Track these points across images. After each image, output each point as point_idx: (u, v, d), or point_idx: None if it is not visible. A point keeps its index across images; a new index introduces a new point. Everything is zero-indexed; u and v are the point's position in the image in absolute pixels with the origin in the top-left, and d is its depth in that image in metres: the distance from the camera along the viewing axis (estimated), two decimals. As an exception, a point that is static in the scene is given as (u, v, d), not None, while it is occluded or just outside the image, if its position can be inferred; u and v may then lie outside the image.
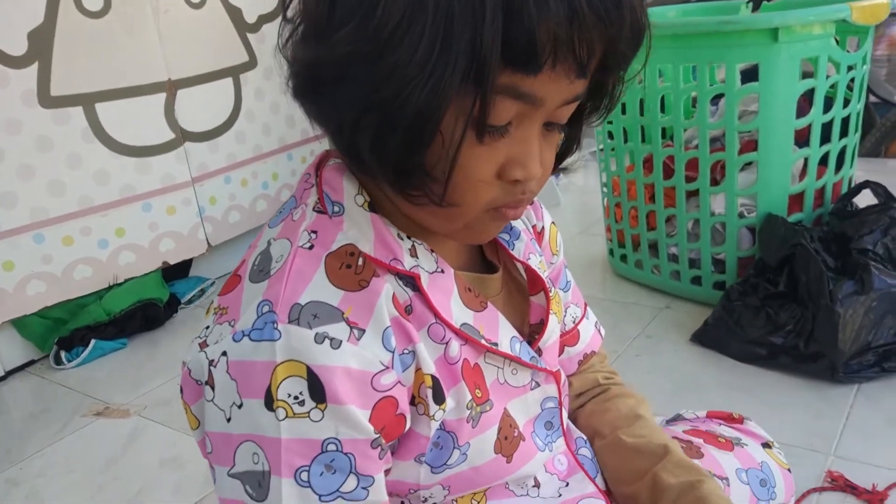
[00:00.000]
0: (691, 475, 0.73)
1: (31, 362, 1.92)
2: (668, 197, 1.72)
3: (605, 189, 1.95)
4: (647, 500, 0.75)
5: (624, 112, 1.72)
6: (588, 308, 0.87)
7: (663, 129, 1.67)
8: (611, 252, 2.00)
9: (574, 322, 0.84)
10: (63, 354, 1.86)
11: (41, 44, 1.75)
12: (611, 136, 1.82)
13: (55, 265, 1.84)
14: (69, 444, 1.53)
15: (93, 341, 1.87)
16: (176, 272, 2.21)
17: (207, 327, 0.56)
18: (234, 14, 2.21)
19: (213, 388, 0.52)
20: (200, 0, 2.08)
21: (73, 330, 1.89)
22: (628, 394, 0.86)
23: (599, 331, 0.81)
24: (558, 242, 0.81)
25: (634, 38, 0.51)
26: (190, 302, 2.18)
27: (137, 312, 1.97)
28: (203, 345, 0.54)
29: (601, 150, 1.90)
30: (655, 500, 0.74)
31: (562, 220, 2.49)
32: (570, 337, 0.83)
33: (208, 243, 2.20)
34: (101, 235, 1.92)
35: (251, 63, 2.28)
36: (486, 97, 0.48)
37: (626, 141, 1.78)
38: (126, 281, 1.99)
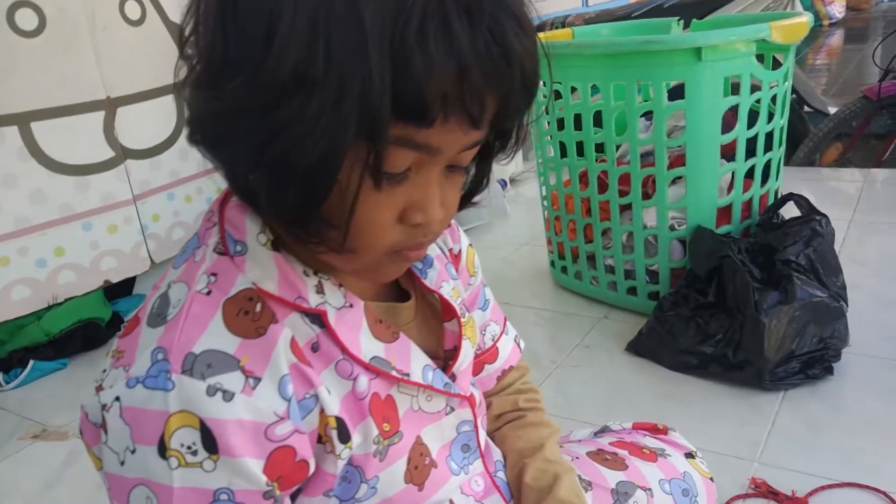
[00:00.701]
0: (555, 467, 0.78)
1: (-32, 385, 1.88)
2: (603, 210, 1.77)
3: (545, 202, 1.99)
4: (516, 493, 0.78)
5: (561, 127, 1.76)
6: (507, 323, 0.89)
7: (598, 145, 1.72)
8: (552, 263, 2.05)
9: (493, 340, 0.86)
10: (1, 376, 1.83)
11: (-27, 63, 1.72)
12: (550, 150, 1.86)
13: (-9, 286, 1.81)
14: (5, 468, 1.51)
15: (31, 362, 1.84)
16: (119, 290, 2.19)
17: (104, 370, 0.56)
18: (174, 30, 2.20)
19: (106, 432, 0.53)
20: (139, 17, 2.07)
21: (12, 351, 1.86)
22: (540, 422, 0.87)
23: (519, 345, 0.83)
24: (475, 264, 0.82)
25: (526, 91, 0.51)
26: (133, 320, 2.15)
27: (78, 332, 1.94)
28: (99, 388, 0.55)
29: (540, 163, 1.94)
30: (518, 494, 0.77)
31: (509, 231, 2.53)
32: (488, 355, 0.85)
33: (152, 261, 2.18)
34: (39, 255, 1.89)
35: (194, 79, 2.27)
36: (379, 149, 0.48)
37: (563, 156, 1.82)
38: (66, 300, 1.96)
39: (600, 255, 1.81)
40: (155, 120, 2.16)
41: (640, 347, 1.62)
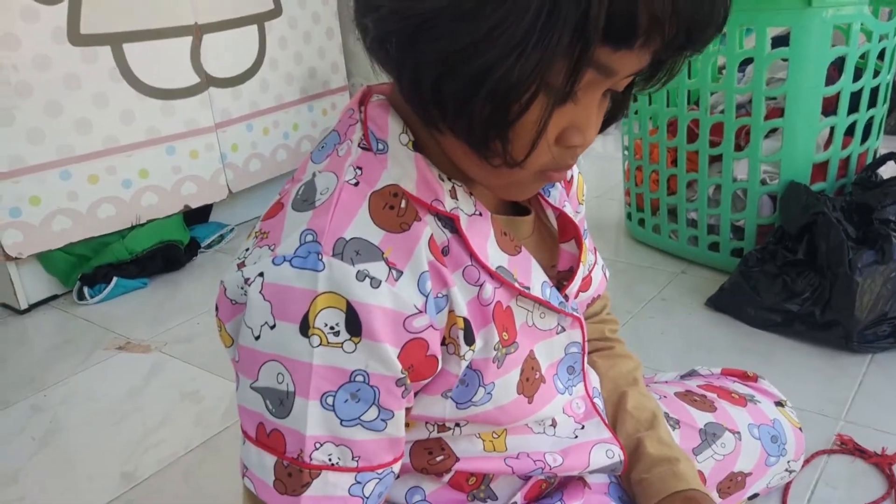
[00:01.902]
0: (671, 452, 0.78)
1: (55, 297, 1.95)
2: (690, 161, 1.72)
3: (626, 152, 1.95)
4: (628, 460, 0.78)
5: (651, 74, 1.71)
6: (596, 251, 0.89)
7: (688, 93, 1.67)
8: (628, 216, 2.01)
9: (589, 269, 0.85)
10: (86, 290, 1.89)
11: (72, -20, 1.75)
12: (635, 98, 1.81)
13: (80, 202, 1.86)
14: (92, 374, 1.57)
15: (115, 279, 1.91)
16: (196, 217, 2.24)
17: (247, 249, 0.57)
18: (263, -41, 2.20)
19: (245, 307, 0.54)
20: (230, -57, 2.07)
21: (96, 267, 1.92)
22: (628, 355, 0.89)
23: (605, 274, 0.83)
24: (584, 192, 0.82)
25: (721, 24, 0.51)
26: (209, 247, 2.20)
27: (158, 253, 2.00)
28: (241, 265, 0.56)
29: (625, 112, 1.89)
30: (633, 463, 0.78)
31: (580, 184, 2.48)
32: (584, 283, 0.85)
33: (229, 190, 2.22)
34: (125, 175, 1.94)
35: (276, 11, 2.28)
36: (578, 69, 0.47)
37: (650, 103, 1.77)
38: (148, 222, 2.02)
39: (683, 208, 1.77)
40: (238, 49, 2.18)
41: (720, 303, 1.59)
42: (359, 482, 0.56)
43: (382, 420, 0.55)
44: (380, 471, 0.57)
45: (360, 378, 0.53)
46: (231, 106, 2.18)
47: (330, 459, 0.54)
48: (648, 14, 0.45)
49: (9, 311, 1.90)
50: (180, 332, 1.72)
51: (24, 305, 1.88)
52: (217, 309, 0.58)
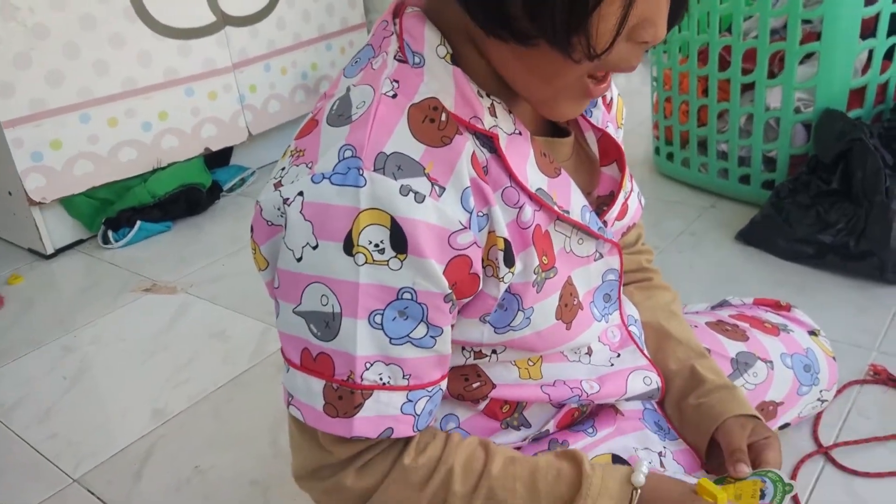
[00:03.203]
0: (726, 381, 0.77)
1: (80, 241, 1.97)
2: (721, 91, 1.66)
3: (654, 83, 1.89)
4: (681, 385, 0.78)
5: None
6: (633, 178, 0.86)
7: (720, 19, 1.60)
8: (656, 150, 1.96)
9: (625, 196, 0.83)
10: (110, 234, 1.90)
11: (83, -84, 1.71)
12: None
13: (101, 146, 1.85)
14: (119, 316, 1.58)
15: (139, 222, 1.91)
16: (217, 160, 2.22)
17: (283, 168, 0.55)
18: None
19: (285, 228, 0.52)
20: None
21: (120, 211, 1.93)
22: (665, 286, 0.88)
23: (641, 202, 0.81)
24: (623, 116, 0.79)
25: None
26: (231, 190, 2.20)
27: (181, 196, 1.99)
28: (278, 185, 0.54)
29: (653, 41, 1.83)
30: (691, 388, 0.77)
31: (605, 120, 2.43)
32: (620, 211, 0.83)
33: (249, 132, 2.20)
34: (144, 118, 1.93)
35: (292, -54, 2.22)
36: None
37: (679, 31, 1.71)
38: (169, 165, 2.01)
39: (713, 140, 1.72)
40: (254, -14, 2.13)
41: (751, 236, 1.55)
42: (410, 400, 0.56)
43: (431, 337, 0.55)
44: (430, 388, 0.57)
45: (407, 295, 0.52)
46: (248, 45, 2.14)
47: (381, 379, 0.54)
48: None
49: (35, 256, 1.92)
50: (205, 274, 1.72)
51: (50, 250, 1.89)
52: (252, 230, 0.57)
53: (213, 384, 1.29)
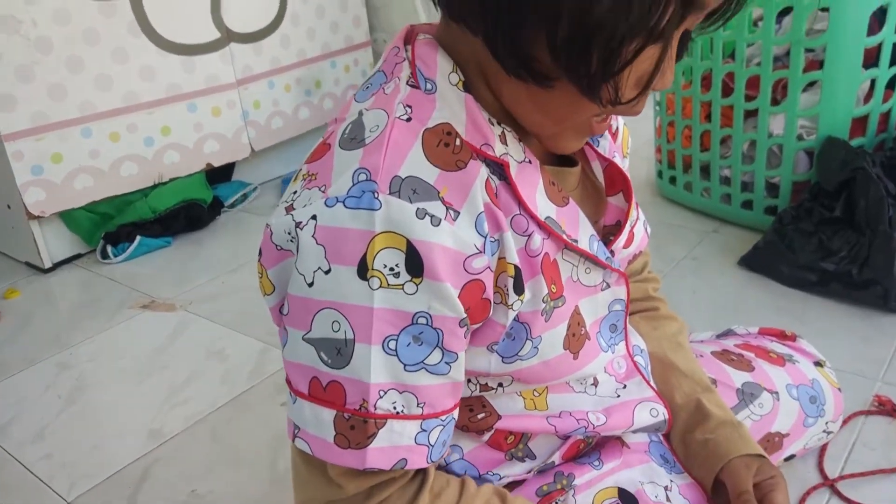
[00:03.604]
0: (732, 417, 0.77)
1: (78, 255, 1.96)
2: (724, 116, 1.67)
3: (657, 107, 1.89)
4: (686, 419, 0.77)
5: (685, 25, 1.65)
6: (638, 206, 0.86)
7: (723, 45, 1.61)
8: (659, 174, 1.96)
9: (631, 225, 0.83)
10: (109, 249, 1.89)
11: (89, -69, 1.71)
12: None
13: (102, 160, 1.85)
14: (117, 333, 1.57)
15: (138, 238, 1.90)
16: (219, 176, 2.22)
17: (295, 192, 0.54)
18: None
19: (296, 252, 0.51)
20: None
21: (120, 226, 1.92)
22: (672, 316, 0.87)
23: (647, 230, 0.81)
24: (629, 145, 0.79)
25: None
26: (233, 206, 2.19)
27: (182, 212, 1.99)
28: (290, 208, 0.53)
29: (657, 66, 1.83)
30: (696, 423, 0.76)
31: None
32: (627, 239, 0.83)
33: (251, 148, 2.20)
34: (146, 133, 1.92)
35: (298, -36, 2.23)
36: (689, 6, 0.47)
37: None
38: (171, 180, 2.00)
39: (716, 165, 1.72)
40: (259, 4, 2.14)
41: (754, 262, 1.55)
42: (424, 430, 0.54)
43: (447, 363, 0.54)
44: (443, 417, 0.56)
45: (422, 320, 0.51)
46: (252, 62, 2.14)
47: (395, 407, 0.52)
48: None
49: (33, 270, 1.91)
50: (205, 291, 1.71)
51: (48, 264, 1.88)
52: (260, 254, 0.56)
53: (210, 405, 1.28)
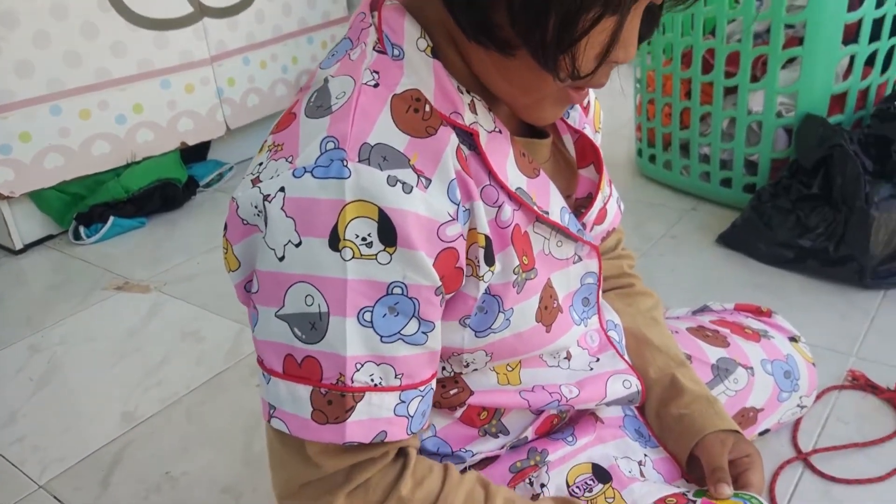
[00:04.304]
0: (706, 391, 0.77)
1: (50, 237, 1.92)
2: (704, 94, 1.66)
3: (638, 85, 1.88)
4: (661, 394, 0.77)
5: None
6: (611, 183, 0.86)
7: (704, 22, 1.59)
8: (639, 152, 1.95)
9: (604, 201, 0.82)
10: (82, 230, 1.86)
11: None
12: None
13: (72, 139, 1.81)
14: (90, 315, 1.54)
15: (112, 218, 1.87)
16: (194, 155, 2.18)
17: (261, 164, 0.53)
18: None
19: (265, 225, 0.50)
20: None
21: (92, 206, 1.88)
22: (647, 292, 0.87)
23: (620, 207, 0.80)
24: (601, 120, 0.78)
25: None
26: (208, 185, 2.16)
27: (156, 192, 1.96)
28: (256, 181, 0.51)
29: (636, 42, 1.82)
30: (671, 397, 0.76)
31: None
32: (599, 215, 0.82)
33: (227, 126, 2.16)
34: (118, 111, 1.88)
35: (272, -63, 2.18)
36: None
37: (663, 33, 1.70)
38: (144, 159, 1.97)
39: (695, 143, 1.72)
40: (233, -22, 2.09)
41: (732, 239, 1.55)
42: (403, 401, 0.53)
43: (423, 333, 0.53)
44: (422, 387, 0.55)
45: (397, 290, 0.50)
46: (227, 37, 2.10)
47: (372, 380, 0.51)
48: None
49: (3, 252, 1.87)
50: (180, 272, 1.69)
51: (18, 246, 1.84)
52: (226, 228, 0.54)
53: (185, 387, 1.26)
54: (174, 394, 1.25)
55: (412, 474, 0.57)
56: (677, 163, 1.80)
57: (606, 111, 2.64)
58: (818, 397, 1.08)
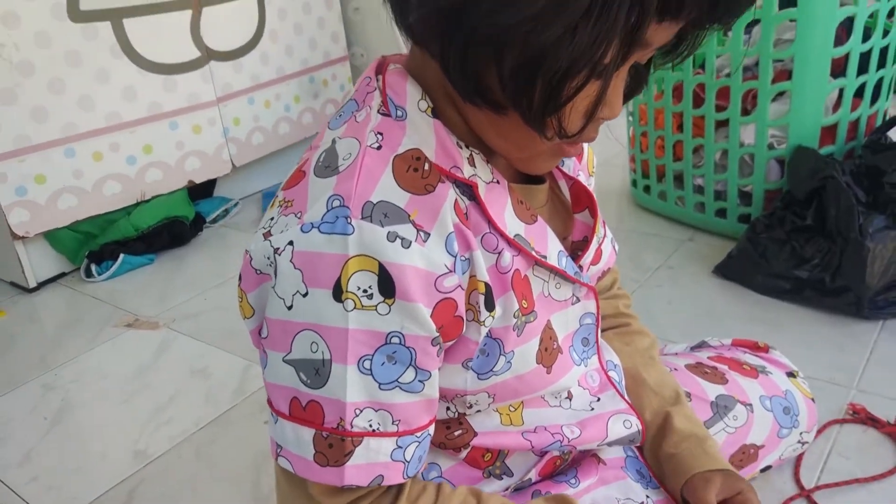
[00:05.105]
0: (699, 430, 0.78)
1: (63, 275, 1.96)
2: (696, 126, 1.70)
3: (630, 118, 1.92)
4: (655, 434, 0.79)
5: (657, 39, 1.68)
6: (605, 224, 0.88)
7: (694, 56, 1.64)
8: (633, 183, 1.99)
9: (599, 242, 0.85)
10: (93, 268, 1.90)
11: (69, -45, 1.73)
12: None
13: (85, 180, 1.86)
14: (102, 352, 1.58)
15: (122, 256, 1.91)
16: (200, 192, 2.23)
17: (272, 218, 0.57)
18: (260, -71, 2.16)
19: (275, 276, 0.54)
20: (227, -87, 2.03)
21: (103, 244, 1.93)
22: (644, 331, 0.89)
23: (614, 247, 0.83)
24: (594, 164, 0.81)
25: (752, 2, 0.51)
26: (214, 221, 2.20)
27: (164, 229, 2.00)
28: (267, 234, 0.55)
29: (631, 78, 1.86)
30: (661, 438, 0.78)
31: (586, 151, 2.46)
32: (594, 256, 0.85)
33: (232, 164, 2.21)
34: (129, 152, 1.94)
35: (276, -19, 2.25)
36: (633, 44, 0.48)
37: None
38: (153, 198, 2.01)
39: (689, 174, 1.75)
40: (238, 22, 2.16)
41: (728, 270, 1.58)
42: (400, 447, 0.56)
43: (420, 381, 0.56)
44: (419, 433, 0.58)
45: (395, 340, 0.53)
46: (232, 79, 2.16)
47: (370, 425, 0.54)
48: None
49: (18, 290, 1.91)
50: (188, 308, 1.72)
51: (32, 284, 1.88)
52: (241, 279, 0.58)
53: (194, 424, 1.29)
54: (183, 431, 1.28)
55: (406, 497, 0.60)
56: (672, 193, 1.83)
57: (601, 140, 2.68)
58: (819, 432, 1.08)
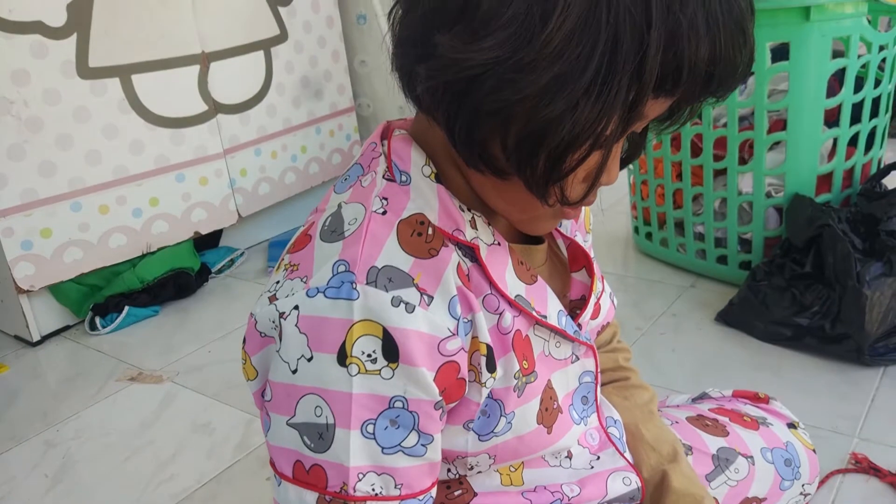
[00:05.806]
0: (695, 488, 0.78)
1: (67, 327, 1.97)
2: (695, 175, 1.72)
3: (631, 167, 1.95)
4: (652, 493, 0.79)
5: (654, 90, 1.71)
6: (603, 279, 0.89)
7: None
8: (636, 230, 2.01)
9: (597, 297, 0.86)
10: (98, 320, 1.91)
11: (80, 15, 1.78)
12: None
13: (91, 233, 1.88)
14: (104, 407, 1.58)
15: (126, 308, 1.92)
16: (206, 242, 2.25)
17: (277, 282, 0.58)
18: (266, -13, 2.22)
19: (280, 340, 0.54)
20: (233, -27, 2.09)
21: (108, 297, 1.94)
22: (643, 385, 0.89)
23: (613, 301, 0.84)
24: (591, 222, 0.83)
25: (745, 77, 0.53)
26: (220, 272, 2.22)
27: (170, 281, 2.01)
28: (273, 298, 0.56)
29: (629, 127, 1.89)
30: (660, 496, 0.78)
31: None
32: (593, 311, 0.86)
33: (238, 214, 2.24)
34: (135, 205, 1.96)
35: (282, 36, 2.30)
36: (632, 118, 0.50)
37: (654, 119, 1.77)
38: (159, 250, 2.03)
39: (689, 222, 1.77)
40: (245, 75, 2.20)
41: (730, 317, 1.58)
42: None
43: (423, 445, 0.56)
44: (421, 496, 0.58)
45: (399, 404, 0.54)
46: (239, 131, 2.20)
47: (373, 489, 0.55)
48: (690, 67, 0.48)
49: (21, 344, 1.92)
50: (192, 361, 1.73)
51: (36, 337, 1.89)
52: (245, 341, 0.59)
53: (196, 482, 1.29)
54: (185, 489, 1.27)
55: None
56: (673, 241, 1.85)
57: (603, 186, 2.71)
58: (822, 482, 1.08)
